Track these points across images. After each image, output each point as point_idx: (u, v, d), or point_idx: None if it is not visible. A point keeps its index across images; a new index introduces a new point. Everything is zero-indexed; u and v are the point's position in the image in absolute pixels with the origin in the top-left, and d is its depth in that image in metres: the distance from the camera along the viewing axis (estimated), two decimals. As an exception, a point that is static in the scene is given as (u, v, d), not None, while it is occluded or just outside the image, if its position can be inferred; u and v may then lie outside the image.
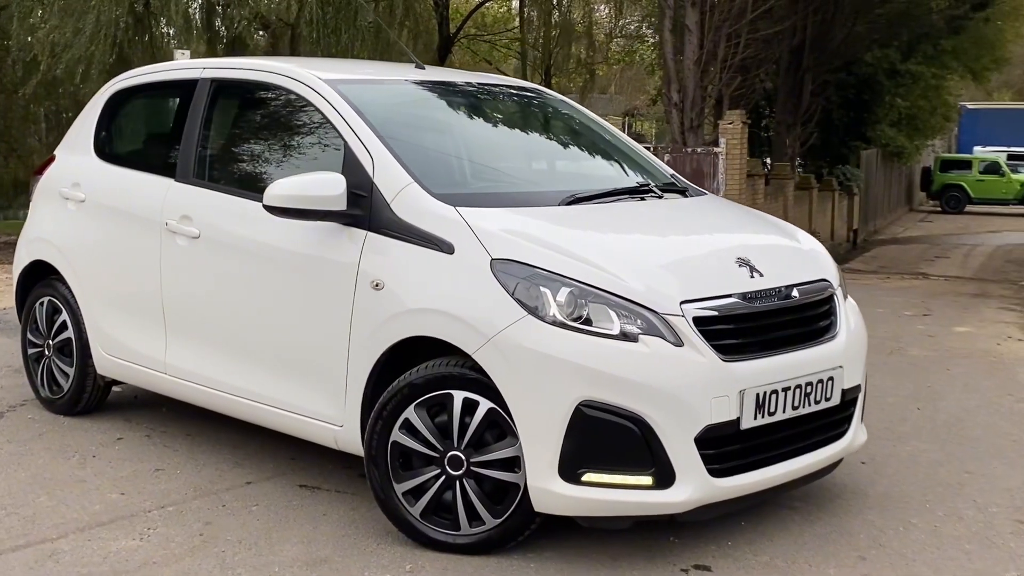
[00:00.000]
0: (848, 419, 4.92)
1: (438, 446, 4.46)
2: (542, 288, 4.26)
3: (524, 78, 33.81)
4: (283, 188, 4.73)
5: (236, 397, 5.28)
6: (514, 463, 4.36)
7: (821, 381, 4.64)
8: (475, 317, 4.32)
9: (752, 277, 4.61)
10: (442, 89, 5.77)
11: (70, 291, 6.23)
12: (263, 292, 5.10)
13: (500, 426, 4.38)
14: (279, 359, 5.07)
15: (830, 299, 4.92)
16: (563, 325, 4.21)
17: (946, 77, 33.78)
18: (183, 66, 6.07)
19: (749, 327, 4.47)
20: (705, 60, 22.08)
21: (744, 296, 4.51)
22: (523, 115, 5.98)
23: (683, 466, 4.20)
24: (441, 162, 5.18)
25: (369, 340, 4.66)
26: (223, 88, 5.67)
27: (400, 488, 4.55)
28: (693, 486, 4.22)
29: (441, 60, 29.27)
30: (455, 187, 4.93)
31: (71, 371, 6.29)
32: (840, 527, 4.87)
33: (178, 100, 5.98)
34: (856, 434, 4.99)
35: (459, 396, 4.42)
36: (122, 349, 5.93)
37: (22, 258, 6.58)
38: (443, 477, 4.47)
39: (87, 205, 6.12)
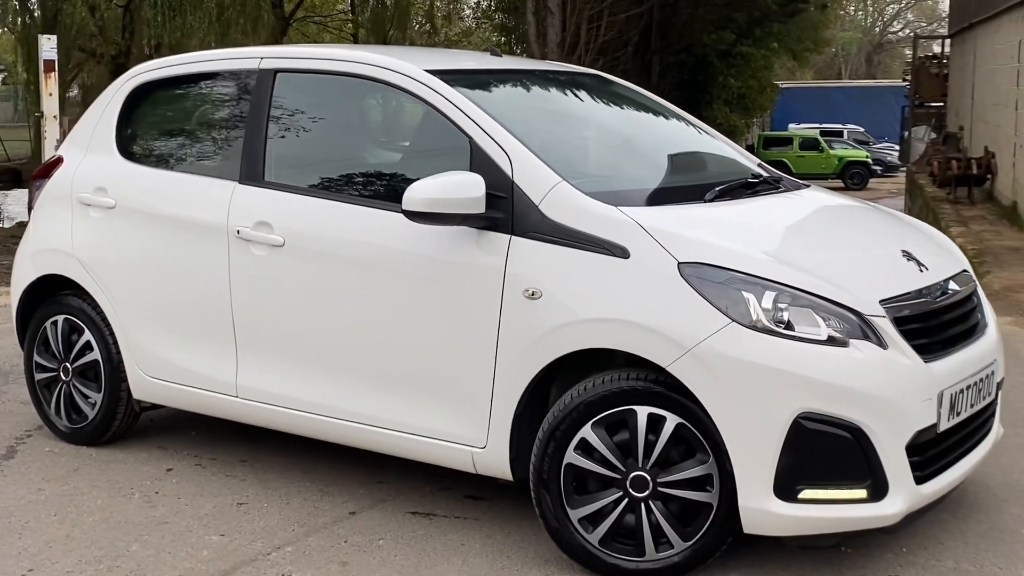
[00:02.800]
0: (993, 414, 4.80)
1: (620, 466, 4.12)
2: (744, 293, 3.96)
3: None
4: (425, 191, 4.29)
5: (341, 420, 4.80)
6: (706, 481, 4.07)
7: (987, 376, 4.50)
8: (668, 327, 3.99)
9: (921, 272, 4.43)
10: (534, 78, 5.39)
11: (95, 308, 5.59)
12: (380, 305, 4.63)
13: (688, 443, 4.08)
14: (402, 378, 4.63)
15: (976, 291, 4.79)
16: (771, 332, 3.92)
17: (772, 58, 34.91)
18: (226, 56, 5.50)
19: (932, 325, 4.28)
20: (568, 43, 22.02)
21: (921, 292, 4.33)
22: (613, 104, 5.61)
23: (895, 475, 3.98)
24: (574, 157, 4.80)
25: (524, 354, 4.28)
26: (291, 80, 5.13)
27: (576, 514, 4.20)
28: (903, 495, 4.01)
29: (276, 43, 28.50)
30: (600, 184, 4.55)
31: (98, 397, 5.64)
32: (993, 524, 4.75)
33: (226, 94, 5.41)
34: (998, 428, 4.87)
35: (643, 412, 4.09)
36: (170, 370, 5.35)
37: (26, 274, 5.86)
38: (625, 500, 4.13)
39: (118, 212, 5.48)
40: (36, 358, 5.85)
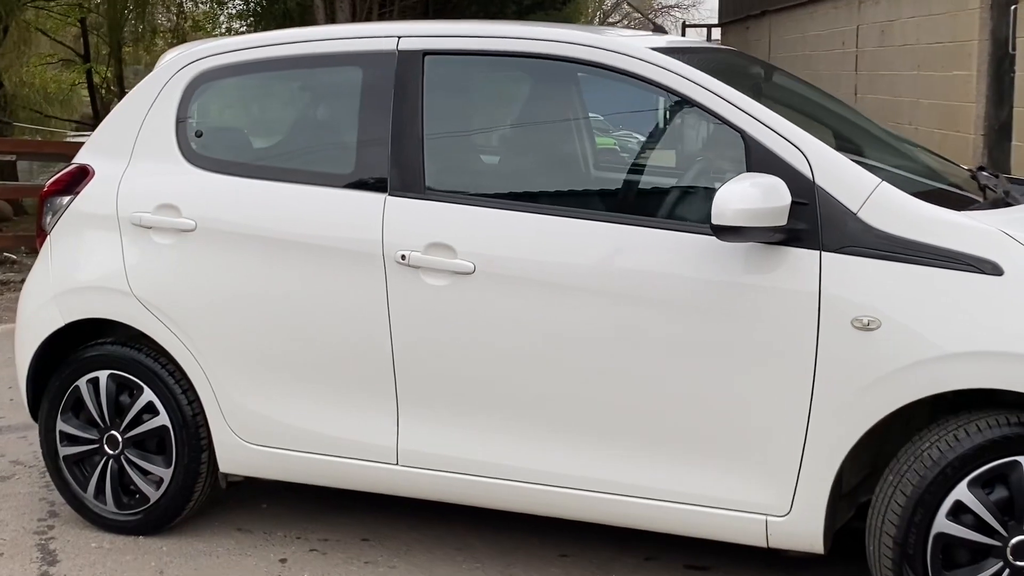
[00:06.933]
0: None
1: (1001, 531, 3.36)
2: None
3: (87, 50, 30.82)
4: (738, 201, 3.37)
5: (568, 490, 3.81)
6: (1096, 541, 3.37)
7: None
8: (1079, 360, 3.26)
9: None
10: (733, 59, 4.51)
11: (161, 360, 4.33)
12: (633, 344, 3.67)
13: (1074, 495, 3.36)
14: (663, 435, 3.69)
15: None
16: None
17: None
18: (336, 35, 4.32)
19: None
20: (360, 28, 21.03)
21: None
22: (802, 91, 4.76)
23: None
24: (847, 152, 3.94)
25: (857, 399, 3.44)
26: (449, 65, 4.05)
27: (949, 597, 3.41)
28: None
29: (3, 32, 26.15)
30: (899, 183, 3.73)
31: (165, 472, 4.38)
32: None
33: (344, 83, 4.28)
34: None
35: (1030, 463, 3.35)
36: (287, 435, 4.18)
37: (47, 321, 4.45)
38: (1006, 571, 3.37)
39: (200, 236, 4.24)
40: (62, 426, 4.51)
